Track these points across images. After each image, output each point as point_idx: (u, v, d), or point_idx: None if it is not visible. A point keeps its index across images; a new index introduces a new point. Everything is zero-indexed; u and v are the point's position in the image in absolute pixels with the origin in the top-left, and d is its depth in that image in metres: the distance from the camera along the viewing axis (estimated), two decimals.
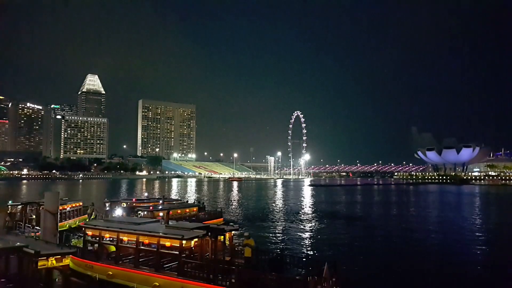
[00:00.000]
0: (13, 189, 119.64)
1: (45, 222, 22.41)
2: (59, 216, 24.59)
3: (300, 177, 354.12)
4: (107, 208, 34.91)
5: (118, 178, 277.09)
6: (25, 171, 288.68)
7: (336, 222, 45.91)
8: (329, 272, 13.59)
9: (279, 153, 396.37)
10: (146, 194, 56.50)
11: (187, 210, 34.15)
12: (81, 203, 36.18)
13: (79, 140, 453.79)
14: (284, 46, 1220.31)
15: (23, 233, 24.70)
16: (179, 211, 32.24)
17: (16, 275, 15.54)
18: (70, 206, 33.63)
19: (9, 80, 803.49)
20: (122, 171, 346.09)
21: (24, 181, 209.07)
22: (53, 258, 16.53)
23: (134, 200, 38.11)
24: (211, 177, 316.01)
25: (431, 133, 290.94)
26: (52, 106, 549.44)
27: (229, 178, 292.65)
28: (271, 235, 35.90)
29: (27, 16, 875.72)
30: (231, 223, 34.01)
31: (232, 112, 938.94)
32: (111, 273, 16.37)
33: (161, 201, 36.92)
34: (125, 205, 33.73)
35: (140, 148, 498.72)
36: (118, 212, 29.87)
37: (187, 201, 45.44)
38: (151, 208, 30.95)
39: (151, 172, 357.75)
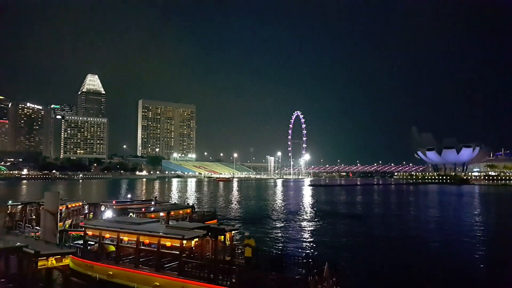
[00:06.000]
0: (13, 189, 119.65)
1: (45, 222, 22.39)
2: (59, 216, 24.56)
3: (300, 177, 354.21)
4: (86, 211, 34.06)
5: (118, 178, 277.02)
6: (25, 171, 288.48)
7: (336, 222, 45.91)
8: (329, 272, 13.57)
9: (279, 153, 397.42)
10: (129, 195, 55.51)
11: (181, 211, 33.70)
12: (81, 203, 36.02)
13: (79, 140, 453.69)
14: (284, 46, 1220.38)
15: (23, 233, 24.63)
16: (172, 213, 31.86)
17: (16, 275, 15.53)
18: (73, 205, 33.49)
19: (9, 80, 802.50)
20: (122, 171, 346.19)
21: (24, 181, 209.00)
22: (53, 258, 16.52)
23: (114, 202, 36.68)
24: (211, 177, 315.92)
25: (431, 133, 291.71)
26: (52, 106, 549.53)
27: (217, 178, 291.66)
28: (271, 235, 35.89)
29: (27, 16, 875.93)
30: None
31: (232, 112, 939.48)
32: (111, 273, 16.34)
33: (153, 203, 36.33)
34: (103, 208, 32.90)
35: (140, 148, 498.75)
36: (107, 214, 29.31)
37: (175, 203, 44.97)
38: (143, 210, 30.49)
39: (151, 172, 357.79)
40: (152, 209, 31.12)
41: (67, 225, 29.42)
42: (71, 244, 21.30)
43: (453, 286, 21.51)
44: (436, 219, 51.70)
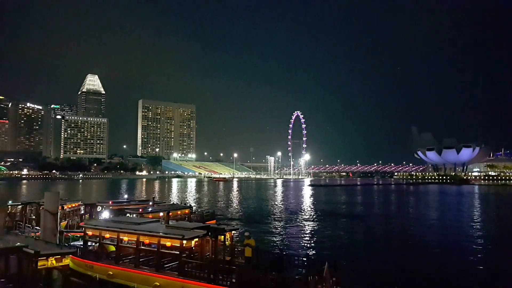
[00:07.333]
0: (13, 189, 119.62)
1: (45, 222, 22.38)
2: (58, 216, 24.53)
3: (300, 177, 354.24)
4: (82, 212, 33.86)
5: (118, 178, 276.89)
6: (25, 171, 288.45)
7: (336, 222, 45.90)
8: (329, 272, 13.55)
9: (279, 153, 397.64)
10: (126, 196, 55.09)
11: (179, 212, 33.48)
12: (78, 204, 35.86)
13: (79, 140, 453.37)
14: (284, 47, 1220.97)
15: (23, 233, 24.62)
16: (170, 213, 31.58)
17: (16, 275, 15.51)
18: (69, 206, 33.46)
19: (9, 80, 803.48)
20: (122, 171, 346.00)
21: (24, 181, 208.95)
22: (53, 258, 16.49)
23: (110, 202, 36.38)
24: (211, 177, 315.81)
25: (431, 133, 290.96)
26: (52, 106, 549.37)
27: (214, 178, 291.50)
28: (271, 235, 35.88)
29: (27, 16, 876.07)
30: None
31: (232, 112, 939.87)
32: (111, 273, 16.33)
33: (151, 203, 36.09)
34: (100, 208, 32.57)
35: (140, 148, 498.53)
36: (104, 214, 29.07)
37: (173, 203, 44.82)
38: (140, 210, 30.25)
39: (151, 172, 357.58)
40: (149, 209, 30.80)
41: (63, 226, 28.80)
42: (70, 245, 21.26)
43: (452, 286, 21.51)
44: (436, 219, 51.70)
